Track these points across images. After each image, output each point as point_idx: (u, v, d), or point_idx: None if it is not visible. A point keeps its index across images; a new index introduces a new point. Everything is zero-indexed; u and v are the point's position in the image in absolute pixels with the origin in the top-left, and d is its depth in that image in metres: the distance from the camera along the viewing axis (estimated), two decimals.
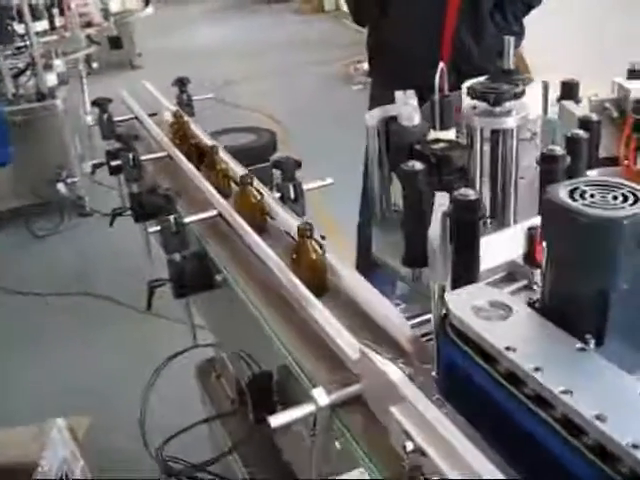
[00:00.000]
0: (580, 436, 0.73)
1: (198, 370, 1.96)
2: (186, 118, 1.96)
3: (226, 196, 1.56)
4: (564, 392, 0.75)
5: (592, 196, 0.88)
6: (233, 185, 1.61)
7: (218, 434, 1.61)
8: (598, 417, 0.72)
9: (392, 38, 2.68)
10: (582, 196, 0.88)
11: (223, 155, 1.72)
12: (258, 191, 1.49)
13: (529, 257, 1.19)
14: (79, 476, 2.51)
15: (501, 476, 0.69)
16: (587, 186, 0.90)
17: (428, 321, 1.22)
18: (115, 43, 6.37)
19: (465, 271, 1.10)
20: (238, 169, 1.66)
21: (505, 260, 1.21)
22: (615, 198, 0.88)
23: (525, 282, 1.19)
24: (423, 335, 1.15)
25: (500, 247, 1.20)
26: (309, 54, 8.49)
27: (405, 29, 2.62)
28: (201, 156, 1.74)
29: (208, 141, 1.84)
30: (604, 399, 0.75)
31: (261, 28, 10.33)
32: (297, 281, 1.17)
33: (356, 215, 2.97)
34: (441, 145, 1.42)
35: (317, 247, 1.23)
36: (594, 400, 0.74)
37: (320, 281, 1.23)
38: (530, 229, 1.17)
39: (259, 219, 1.47)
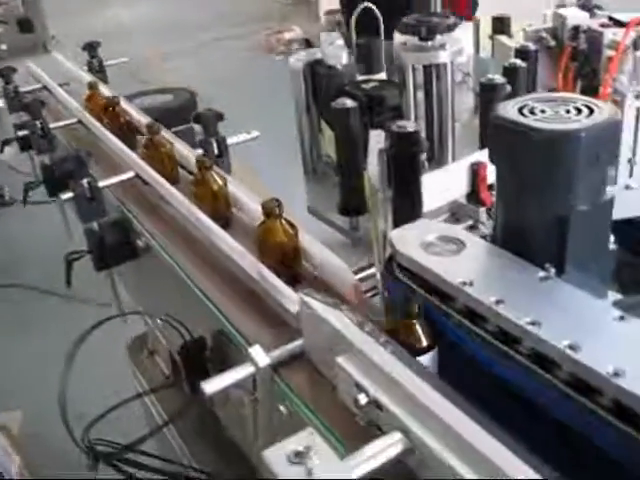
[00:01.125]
0: (553, 370, 0.65)
1: (129, 348, 1.83)
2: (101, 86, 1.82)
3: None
4: (531, 323, 0.67)
5: (543, 112, 0.80)
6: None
7: (154, 411, 1.49)
8: (571, 347, 0.64)
9: None
10: (532, 112, 0.80)
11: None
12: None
13: (474, 195, 1.11)
14: (15, 475, 2.37)
15: (471, 421, 0.59)
16: (537, 102, 0.83)
17: (371, 277, 1.13)
18: (26, 26, 6.04)
19: (407, 212, 1.02)
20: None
21: (447, 201, 1.12)
22: (568, 112, 0.80)
23: (470, 222, 1.12)
24: (366, 291, 1.07)
25: (441, 186, 1.11)
26: (227, 29, 8.26)
27: None
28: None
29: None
30: (576, 328, 0.67)
31: (177, 6, 10.00)
32: (223, 233, 1.06)
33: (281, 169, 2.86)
34: (372, 84, 1.33)
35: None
36: (565, 330, 0.66)
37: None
38: (473, 165, 1.09)
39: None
